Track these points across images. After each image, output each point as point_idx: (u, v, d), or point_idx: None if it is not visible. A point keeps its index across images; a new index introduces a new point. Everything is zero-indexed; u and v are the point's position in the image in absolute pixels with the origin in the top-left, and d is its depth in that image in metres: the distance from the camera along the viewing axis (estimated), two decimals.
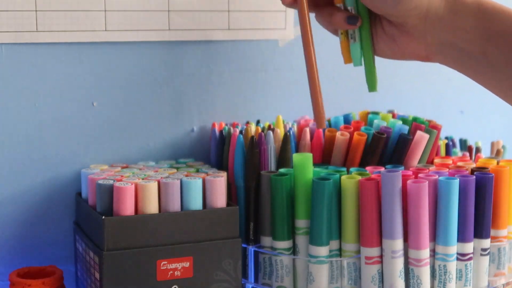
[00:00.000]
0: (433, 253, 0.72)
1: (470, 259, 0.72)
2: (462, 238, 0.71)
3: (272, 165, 0.77)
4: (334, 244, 0.72)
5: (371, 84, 0.74)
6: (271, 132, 0.77)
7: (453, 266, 0.71)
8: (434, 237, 0.71)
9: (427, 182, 0.69)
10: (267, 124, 0.83)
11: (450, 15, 0.66)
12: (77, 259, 0.78)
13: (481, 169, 0.74)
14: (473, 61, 0.68)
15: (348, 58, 0.75)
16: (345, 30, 0.74)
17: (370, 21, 0.73)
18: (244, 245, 0.75)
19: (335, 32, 0.76)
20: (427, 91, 0.98)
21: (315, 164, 0.76)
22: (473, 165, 0.77)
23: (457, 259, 0.72)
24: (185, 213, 0.70)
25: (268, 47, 0.88)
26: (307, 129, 0.79)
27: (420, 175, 0.71)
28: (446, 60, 0.70)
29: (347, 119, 0.84)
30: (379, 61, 0.89)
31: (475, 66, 0.68)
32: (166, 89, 0.83)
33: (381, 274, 0.71)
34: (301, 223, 0.73)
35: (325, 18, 0.73)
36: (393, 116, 0.83)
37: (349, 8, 0.72)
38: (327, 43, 0.90)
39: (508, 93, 0.69)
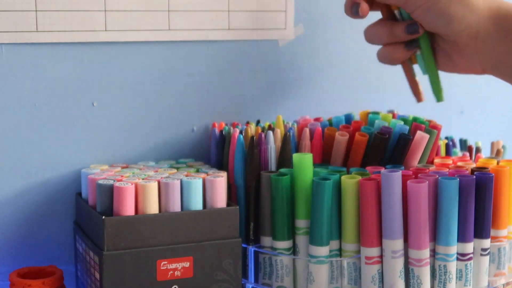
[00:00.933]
0: (433, 253, 0.72)
1: (470, 259, 0.72)
2: (462, 238, 0.71)
3: (272, 165, 0.77)
4: (334, 244, 0.72)
5: (437, 94, 0.79)
6: (271, 132, 0.77)
7: (453, 266, 0.71)
8: (434, 237, 0.71)
9: (427, 182, 0.69)
10: (267, 124, 0.83)
11: (499, 33, 0.68)
12: (77, 259, 0.78)
13: (481, 169, 0.74)
14: None
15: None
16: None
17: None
18: (244, 245, 0.75)
19: (394, 60, 0.80)
20: (427, 91, 0.98)
21: (315, 164, 0.76)
22: (473, 165, 0.77)
23: (457, 259, 0.72)
24: (185, 213, 0.70)
25: (268, 47, 0.88)
26: (307, 129, 0.79)
27: (420, 175, 0.71)
28: (502, 75, 0.73)
29: (348, 119, 0.84)
30: (375, 62, 0.89)
31: None
32: (166, 89, 0.83)
33: (381, 274, 0.71)
34: (301, 223, 0.73)
35: (385, 30, 0.77)
36: (393, 116, 0.83)
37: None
38: (327, 43, 0.90)
39: None
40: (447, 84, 1.02)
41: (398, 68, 0.96)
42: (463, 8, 0.68)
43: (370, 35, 0.79)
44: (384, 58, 0.79)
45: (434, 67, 0.78)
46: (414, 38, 0.76)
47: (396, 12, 0.77)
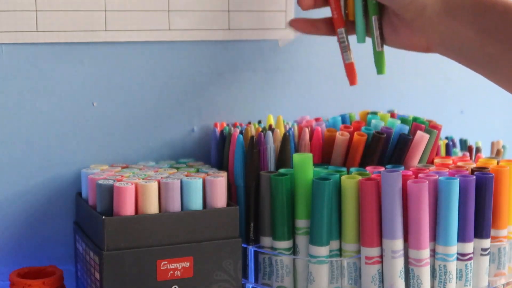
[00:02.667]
0: (433, 253, 0.72)
1: (470, 259, 0.72)
2: (462, 238, 0.71)
3: (272, 165, 0.77)
4: (334, 244, 0.72)
5: (380, 66, 0.79)
6: (270, 132, 0.77)
7: (453, 266, 0.71)
8: (434, 237, 0.71)
9: (427, 182, 0.69)
10: (268, 124, 0.83)
11: (447, 11, 0.68)
12: (77, 259, 0.78)
13: (481, 169, 0.74)
14: (472, 53, 0.69)
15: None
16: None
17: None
18: (244, 245, 0.75)
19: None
20: (427, 91, 0.98)
21: (315, 164, 0.76)
22: (473, 165, 0.77)
23: (457, 259, 0.72)
24: (185, 213, 0.70)
25: (268, 47, 0.88)
26: (307, 129, 0.79)
27: (420, 175, 0.71)
28: (447, 52, 0.72)
29: (344, 120, 0.84)
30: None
31: (475, 58, 0.70)
32: (166, 89, 0.83)
33: (381, 274, 0.71)
34: (301, 223, 0.73)
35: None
36: (393, 116, 0.83)
37: None
38: (327, 43, 0.90)
39: (508, 81, 0.70)
40: (447, 84, 1.02)
41: (398, 68, 0.96)
42: None
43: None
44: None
45: (377, 38, 0.78)
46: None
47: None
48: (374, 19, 0.76)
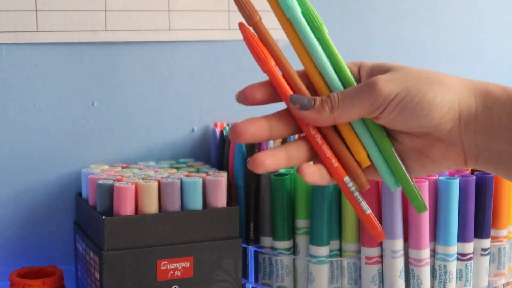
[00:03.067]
0: (433, 253, 0.72)
1: (470, 259, 0.72)
2: (462, 238, 0.71)
3: None
4: (334, 244, 0.72)
5: (418, 204, 0.55)
6: None
7: (453, 266, 0.71)
8: (434, 237, 0.71)
9: (427, 182, 0.69)
10: None
11: (483, 111, 0.54)
12: (77, 259, 0.78)
13: None
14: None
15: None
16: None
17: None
18: (244, 245, 0.75)
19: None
20: None
21: None
22: None
23: (457, 259, 0.72)
24: (185, 213, 0.70)
25: None
26: None
27: None
28: (486, 164, 0.56)
29: None
30: (374, 59, 0.89)
31: None
32: (166, 89, 0.83)
33: (381, 274, 0.71)
34: (301, 223, 0.73)
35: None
36: None
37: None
38: None
39: None
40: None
41: None
42: (440, 89, 0.53)
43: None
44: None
45: (405, 174, 0.54)
46: None
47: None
48: (394, 150, 0.54)
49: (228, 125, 0.84)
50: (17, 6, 0.75)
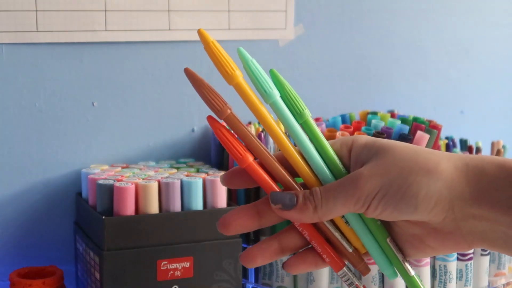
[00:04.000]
0: None
1: (470, 259, 0.72)
2: None
3: None
4: None
5: None
6: None
7: (453, 266, 0.71)
8: None
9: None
10: None
11: (479, 196, 0.49)
12: (77, 259, 0.78)
13: None
14: None
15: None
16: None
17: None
18: (244, 245, 0.75)
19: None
20: (427, 91, 0.98)
21: None
22: None
23: (458, 259, 0.72)
24: (185, 213, 0.70)
25: (268, 47, 0.88)
26: None
27: None
28: (496, 248, 0.52)
29: (344, 120, 0.84)
30: (375, 62, 0.89)
31: None
32: (166, 89, 0.83)
33: (382, 274, 0.71)
34: None
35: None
36: (393, 116, 0.83)
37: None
38: (327, 43, 0.90)
39: None
40: (447, 84, 1.02)
41: (398, 68, 0.96)
42: (426, 179, 0.48)
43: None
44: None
45: (402, 266, 0.51)
46: None
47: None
48: (389, 241, 0.51)
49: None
50: (17, 6, 0.75)
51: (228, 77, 0.48)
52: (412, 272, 0.51)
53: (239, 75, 0.48)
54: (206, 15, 0.83)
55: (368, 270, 0.51)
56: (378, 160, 0.49)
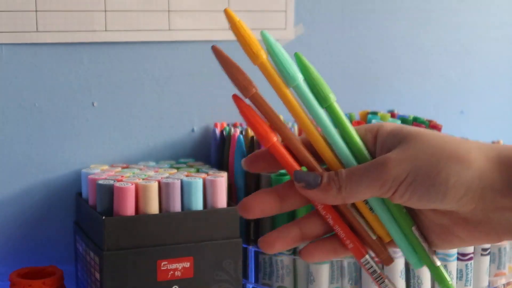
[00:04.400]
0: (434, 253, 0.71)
1: (470, 259, 0.72)
2: None
3: None
4: None
5: (445, 286, 0.51)
6: None
7: (453, 266, 0.71)
8: None
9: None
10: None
11: (508, 185, 0.48)
12: (77, 259, 0.78)
13: None
14: None
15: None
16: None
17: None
18: (244, 245, 0.75)
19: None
20: (427, 91, 0.98)
21: None
22: None
23: (458, 259, 0.72)
24: (185, 213, 0.70)
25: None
26: None
27: None
28: None
29: None
30: (375, 62, 0.89)
31: None
32: (166, 89, 0.83)
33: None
34: None
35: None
36: (393, 116, 0.83)
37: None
38: (327, 43, 0.90)
39: None
40: (447, 84, 1.02)
41: (398, 68, 0.96)
42: (457, 166, 0.47)
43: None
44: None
45: (427, 255, 0.50)
46: None
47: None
48: (414, 229, 0.50)
49: (228, 125, 0.84)
50: (17, 6, 0.75)
51: (254, 56, 0.49)
52: (438, 263, 0.50)
53: (264, 55, 0.48)
54: (206, 15, 0.83)
55: (391, 260, 0.50)
56: (405, 146, 0.48)
